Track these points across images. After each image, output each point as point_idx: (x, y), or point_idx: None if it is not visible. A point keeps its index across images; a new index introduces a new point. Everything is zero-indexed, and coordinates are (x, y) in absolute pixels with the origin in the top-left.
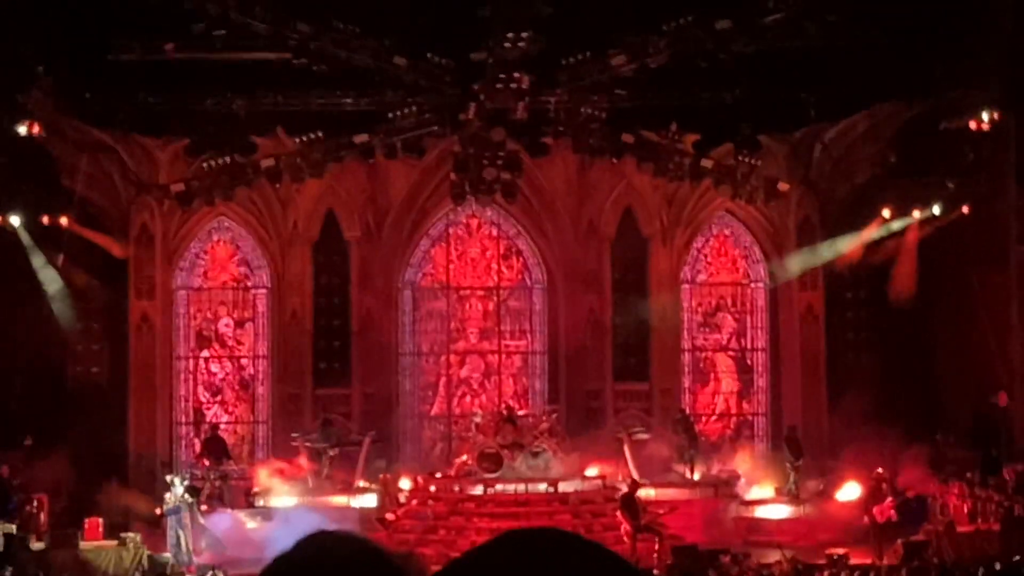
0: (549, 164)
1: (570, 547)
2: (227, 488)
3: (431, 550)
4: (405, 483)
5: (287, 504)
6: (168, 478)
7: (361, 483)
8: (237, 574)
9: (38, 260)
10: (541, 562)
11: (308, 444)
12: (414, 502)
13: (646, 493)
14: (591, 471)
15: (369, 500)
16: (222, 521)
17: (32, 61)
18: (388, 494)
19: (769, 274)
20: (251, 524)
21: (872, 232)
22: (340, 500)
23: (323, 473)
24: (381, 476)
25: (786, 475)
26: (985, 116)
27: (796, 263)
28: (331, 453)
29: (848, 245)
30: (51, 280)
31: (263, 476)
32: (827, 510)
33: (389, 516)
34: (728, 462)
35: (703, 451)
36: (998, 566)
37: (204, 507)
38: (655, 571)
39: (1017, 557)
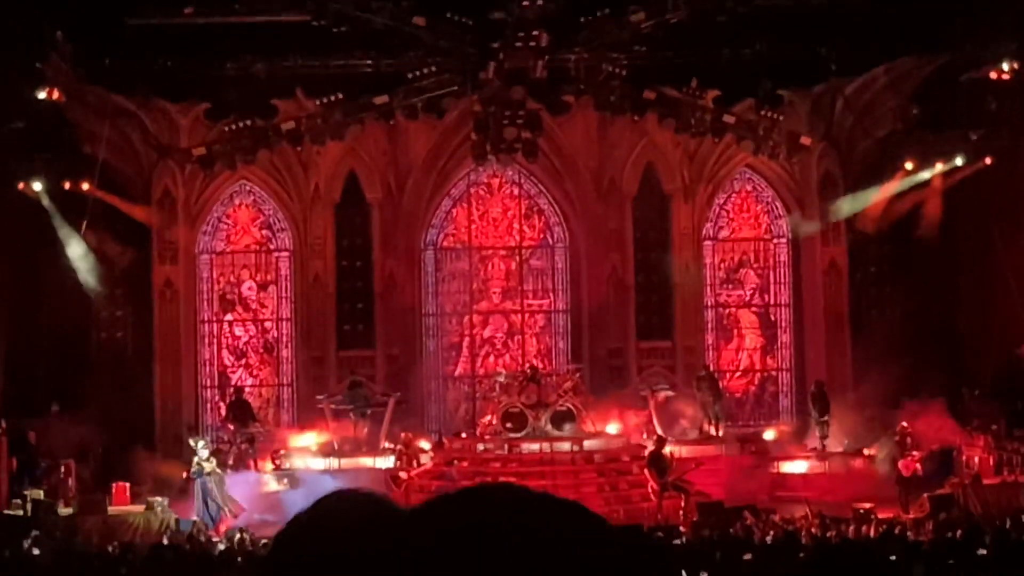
0: (569, 123)
1: (534, 504)
2: (253, 451)
3: None
4: (425, 444)
5: (312, 466)
6: (193, 442)
7: (386, 444)
8: (263, 536)
9: (61, 226)
10: (497, 516)
11: (333, 406)
12: (431, 462)
13: (672, 450)
14: (615, 429)
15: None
16: (248, 484)
17: (51, 27)
18: (407, 454)
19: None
20: (277, 486)
21: (895, 185)
22: (366, 461)
23: (360, 434)
24: (402, 435)
25: (813, 430)
26: (1006, 67)
27: (847, 205)
28: (368, 413)
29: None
30: (74, 246)
31: (289, 439)
32: (853, 465)
33: (403, 475)
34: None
35: (728, 407)
36: None
37: (230, 470)
38: (681, 528)
39: None
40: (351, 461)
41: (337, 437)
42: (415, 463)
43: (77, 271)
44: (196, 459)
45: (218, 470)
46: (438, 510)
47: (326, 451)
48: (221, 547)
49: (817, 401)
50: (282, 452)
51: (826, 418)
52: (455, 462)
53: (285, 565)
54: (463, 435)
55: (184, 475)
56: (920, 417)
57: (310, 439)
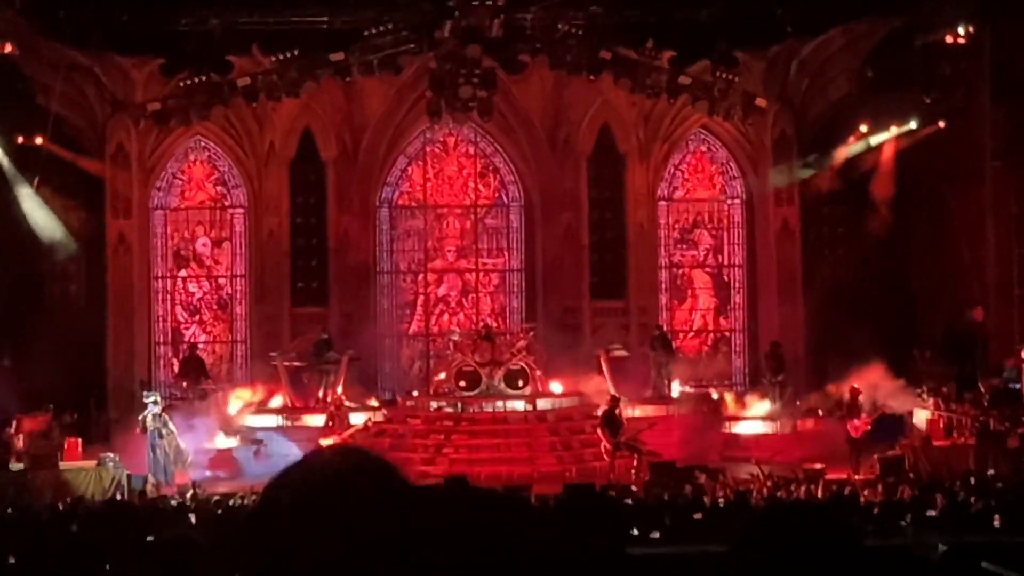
0: (525, 82)
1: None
2: (205, 407)
3: (409, 468)
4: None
5: (264, 423)
6: (146, 397)
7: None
8: (215, 492)
9: (14, 179)
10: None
11: (286, 363)
12: (362, 424)
13: (624, 410)
14: (567, 388)
15: (318, 420)
16: (200, 440)
17: None
18: (337, 415)
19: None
20: (229, 443)
21: (849, 148)
22: (317, 420)
23: (325, 391)
24: (331, 397)
25: (765, 391)
26: (961, 30)
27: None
28: (324, 370)
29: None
30: (27, 200)
31: (241, 395)
32: (804, 426)
33: (333, 439)
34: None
35: (680, 367)
36: (973, 480)
37: (182, 426)
38: (633, 487)
39: (992, 471)
40: (303, 419)
41: (289, 394)
42: (345, 424)
43: (30, 224)
44: (148, 415)
45: (171, 426)
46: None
47: (277, 409)
48: (173, 503)
49: (771, 361)
50: (234, 409)
51: (780, 378)
52: (407, 420)
53: (274, 516)
54: (416, 393)
55: (136, 430)
56: (871, 379)
57: (245, 396)
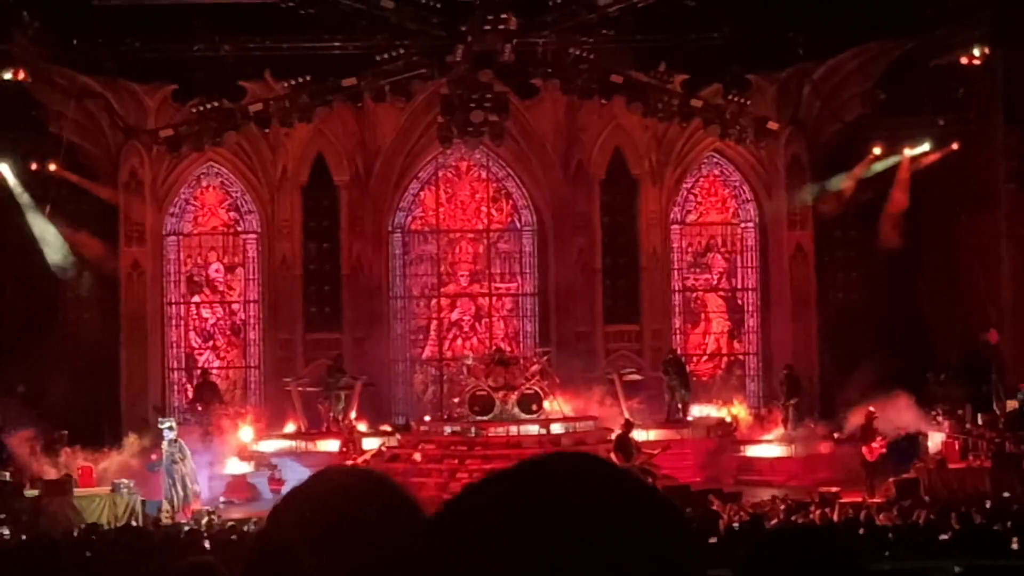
0: (537, 106)
1: (591, 471)
2: (219, 433)
3: (424, 493)
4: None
5: (278, 448)
6: (161, 423)
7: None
8: (231, 517)
9: (27, 206)
10: (561, 485)
11: (300, 389)
12: (376, 449)
13: (639, 434)
14: (583, 412)
15: (332, 446)
16: (214, 466)
17: (16, 6)
18: (351, 440)
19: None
20: (243, 469)
21: (862, 170)
22: (330, 445)
23: (338, 416)
24: (344, 422)
25: (780, 415)
26: (975, 52)
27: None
28: (337, 396)
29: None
30: (40, 227)
31: (255, 421)
32: (819, 449)
33: (347, 464)
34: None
35: (694, 391)
36: (989, 503)
37: (196, 452)
38: None
39: (1008, 494)
40: (316, 444)
41: (304, 420)
42: (359, 450)
43: (43, 252)
44: (163, 441)
45: (186, 452)
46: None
47: (291, 434)
48: (187, 529)
49: (786, 385)
50: (248, 435)
51: (794, 402)
52: (421, 445)
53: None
54: (428, 418)
55: (152, 456)
56: (886, 402)
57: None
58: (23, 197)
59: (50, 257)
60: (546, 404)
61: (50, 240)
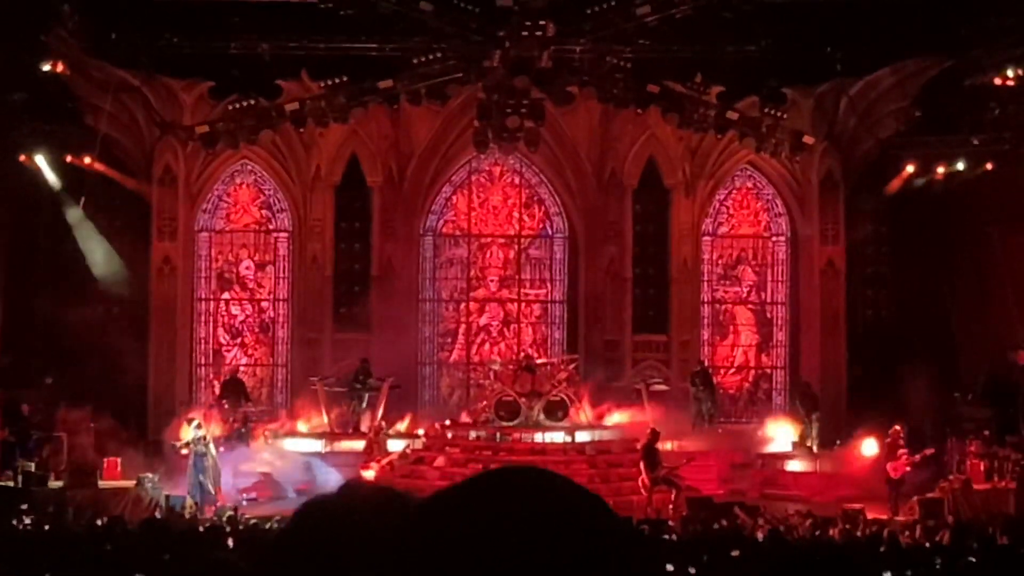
0: (572, 114)
1: (550, 487)
2: (246, 430)
3: None
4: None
5: (304, 447)
6: (187, 419)
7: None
8: (255, 515)
9: (61, 199)
10: (518, 498)
11: (327, 388)
12: (400, 452)
13: (664, 444)
14: (608, 421)
15: (357, 446)
16: (240, 463)
17: (57, 0)
18: (376, 442)
19: None
20: (268, 467)
21: (895, 188)
22: (354, 445)
23: (360, 416)
24: (372, 424)
25: (803, 430)
26: (1010, 72)
27: None
28: (363, 397)
29: None
30: (74, 219)
31: (281, 419)
32: (844, 465)
33: (372, 466)
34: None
35: (721, 404)
36: (1013, 524)
37: (222, 449)
38: (670, 522)
39: None
40: (341, 444)
41: (330, 419)
42: (384, 451)
43: (76, 244)
44: (188, 436)
45: (211, 448)
46: (453, 496)
47: (317, 434)
48: (211, 525)
49: (803, 400)
50: (274, 432)
51: (815, 416)
52: (447, 448)
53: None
54: (451, 422)
55: (181, 451)
56: (912, 420)
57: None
58: (57, 189)
59: (83, 250)
60: (572, 412)
61: (83, 234)
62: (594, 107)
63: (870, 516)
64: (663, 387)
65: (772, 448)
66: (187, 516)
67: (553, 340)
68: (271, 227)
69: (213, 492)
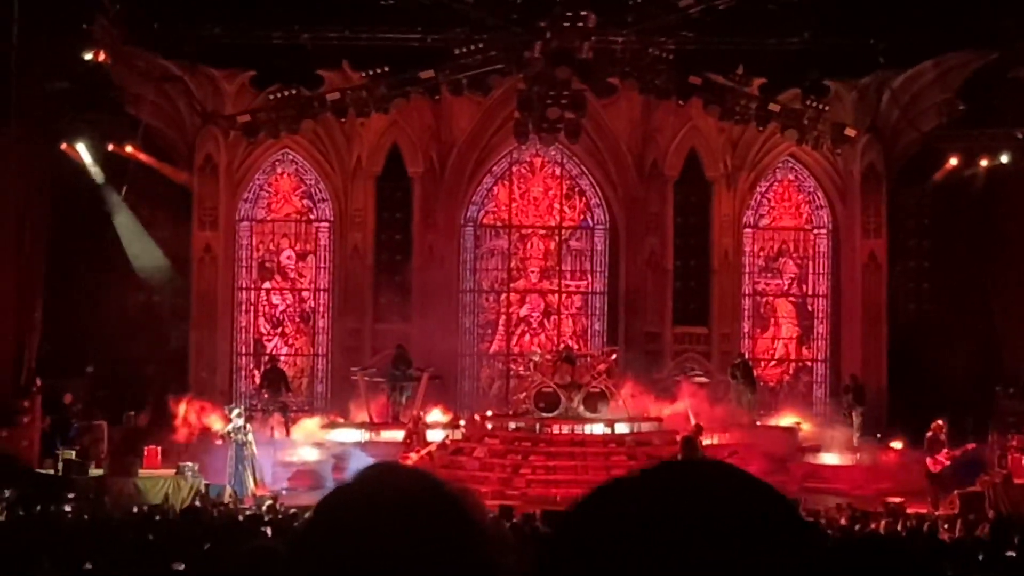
0: (613, 105)
1: (731, 480)
2: (286, 420)
3: (487, 488)
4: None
5: (344, 437)
6: (227, 408)
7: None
8: (293, 504)
9: (103, 188)
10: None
11: (367, 379)
12: (439, 442)
13: (704, 436)
14: (649, 413)
15: (397, 436)
16: (279, 453)
17: None
18: (415, 432)
19: None
20: (308, 456)
21: (938, 180)
22: (395, 435)
23: (400, 407)
24: (412, 413)
25: (846, 423)
26: None
27: None
28: (403, 387)
29: None
30: (116, 208)
31: (322, 409)
32: (885, 459)
33: (412, 455)
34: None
35: (761, 396)
36: None
37: (262, 438)
38: None
39: None
40: (381, 435)
41: (370, 410)
42: (423, 441)
43: (117, 233)
44: (229, 426)
45: (251, 438)
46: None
47: (357, 424)
48: (250, 514)
49: (851, 394)
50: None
51: (860, 410)
52: (485, 440)
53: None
54: (492, 413)
55: (218, 441)
56: (953, 415)
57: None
58: (99, 178)
59: (124, 240)
60: (611, 403)
61: (125, 223)
62: (635, 98)
63: (910, 510)
64: (703, 379)
65: (813, 441)
66: (227, 505)
67: (593, 332)
68: (312, 217)
69: (253, 482)
